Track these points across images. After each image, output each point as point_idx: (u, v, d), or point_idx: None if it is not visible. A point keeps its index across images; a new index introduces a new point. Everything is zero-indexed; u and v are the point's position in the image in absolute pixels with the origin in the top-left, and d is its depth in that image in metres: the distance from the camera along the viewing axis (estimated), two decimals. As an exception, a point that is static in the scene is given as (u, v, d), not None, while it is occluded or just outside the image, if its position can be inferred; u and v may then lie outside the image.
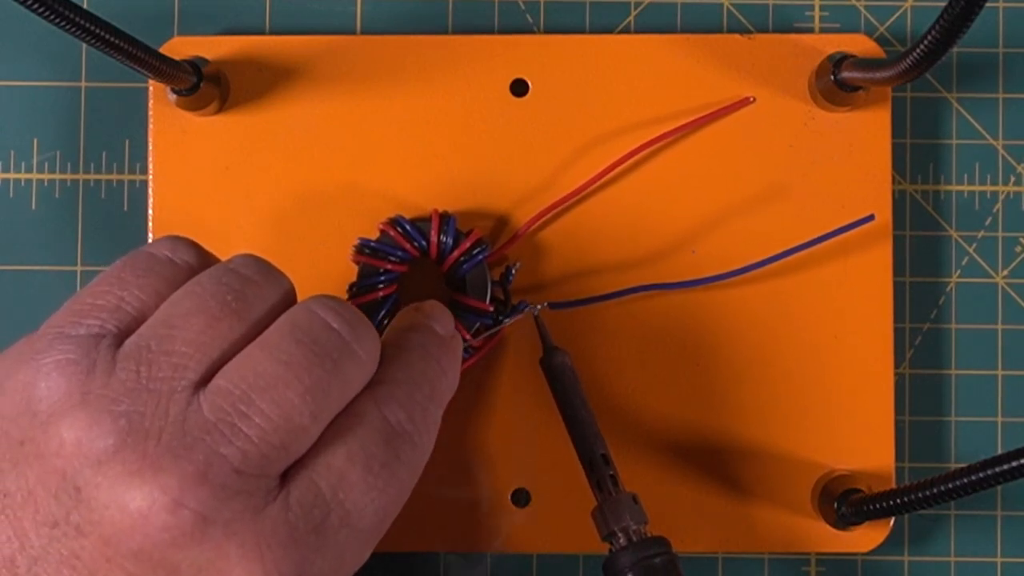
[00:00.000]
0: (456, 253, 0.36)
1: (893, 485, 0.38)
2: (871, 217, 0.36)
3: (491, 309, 0.36)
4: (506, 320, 0.37)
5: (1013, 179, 0.40)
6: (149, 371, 0.26)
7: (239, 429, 0.26)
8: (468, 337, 0.36)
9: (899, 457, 0.39)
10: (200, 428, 0.26)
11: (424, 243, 0.36)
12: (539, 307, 0.37)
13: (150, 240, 0.38)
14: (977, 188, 0.40)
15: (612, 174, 0.38)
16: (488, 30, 0.40)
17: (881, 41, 0.39)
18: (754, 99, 0.37)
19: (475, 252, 0.36)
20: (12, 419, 0.26)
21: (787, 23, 0.40)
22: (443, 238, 0.36)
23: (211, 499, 0.25)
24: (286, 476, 0.27)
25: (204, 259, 0.30)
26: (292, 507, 0.26)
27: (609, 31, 0.40)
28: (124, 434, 0.25)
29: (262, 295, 0.28)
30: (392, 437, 0.28)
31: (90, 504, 0.25)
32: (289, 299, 0.29)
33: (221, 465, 0.25)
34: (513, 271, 0.37)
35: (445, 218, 0.37)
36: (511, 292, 0.37)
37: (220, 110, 0.38)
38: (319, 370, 0.27)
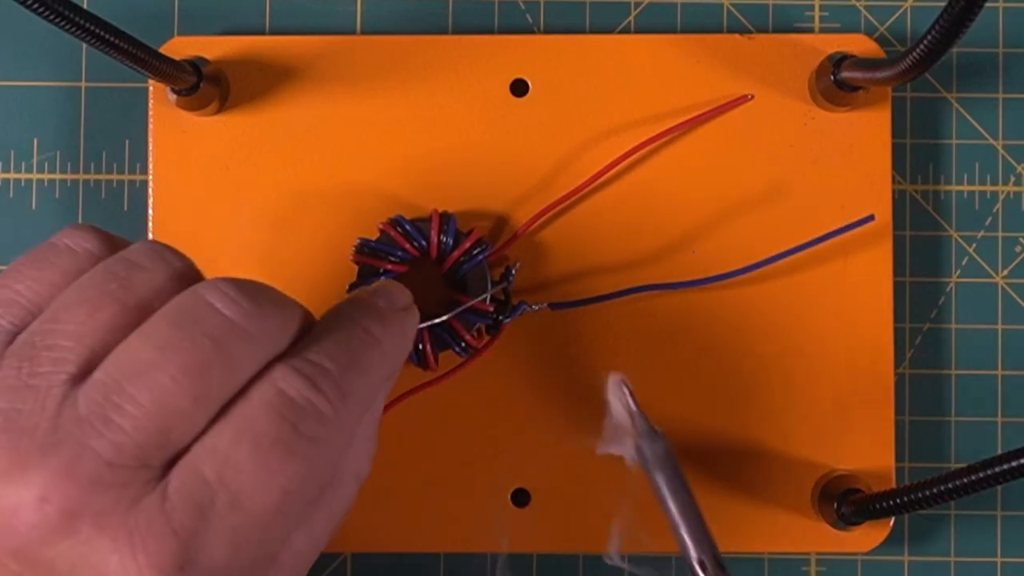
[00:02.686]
0: (456, 253, 0.36)
1: (893, 485, 0.38)
2: (871, 217, 0.36)
3: (491, 309, 0.36)
4: (506, 320, 0.37)
5: (1013, 179, 0.40)
6: (31, 367, 0.25)
7: (111, 420, 0.25)
8: (468, 337, 0.36)
9: (899, 457, 0.39)
10: (72, 422, 0.25)
11: (424, 243, 0.36)
12: (538, 307, 0.37)
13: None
14: (977, 188, 0.40)
15: (612, 173, 0.38)
16: (488, 30, 0.40)
17: (881, 41, 0.39)
18: (752, 96, 0.37)
19: (475, 252, 0.36)
20: None
21: (787, 23, 0.40)
22: (443, 238, 0.36)
23: (78, 494, 0.24)
24: (172, 464, 0.26)
25: (109, 246, 0.28)
26: (171, 496, 0.25)
27: (609, 31, 0.40)
28: (0, 433, 0.25)
29: (149, 281, 0.27)
30: (288, 411, 0.26)
31: None
32: (183, 282, 0.27)
33: (90, 459, 0.24)
34: (513, 271, 0.37)
35: (445, 218, 0.37)
36: (511, 292, 0.37)
37: (220, 110, 0.38)
38: (197, 351, 0.25)
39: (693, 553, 0.32)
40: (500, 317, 0.37)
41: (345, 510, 0.30)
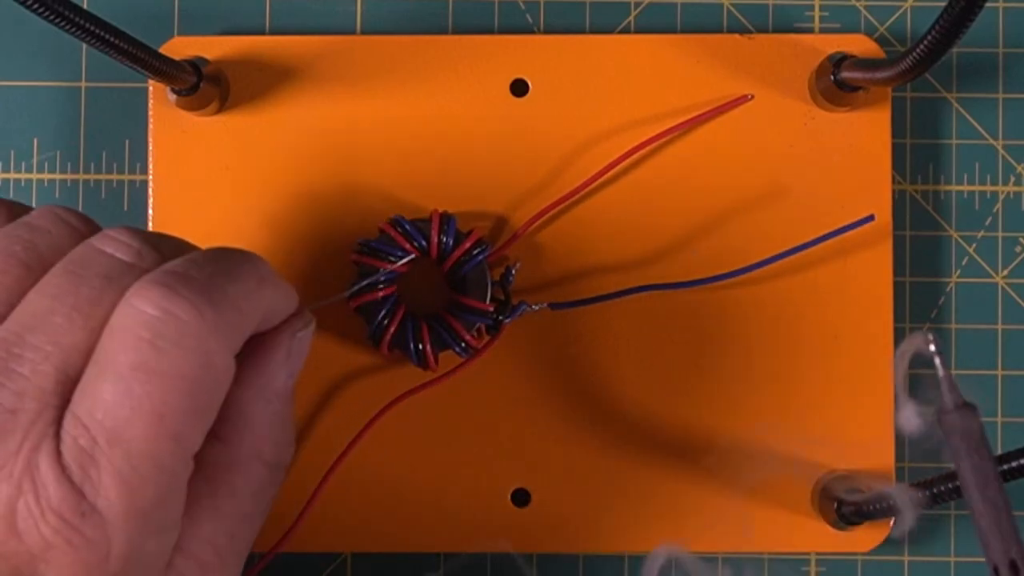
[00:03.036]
0: (456, 253, 0.36)
1: (893, 485, 0.38)
2: (871, 217, 0.36)
3: (491, 309, 0.36)
4: (507, 320, 0.37)
5: (1013, 179, 0.40)
6: None
7: (13, 371, 0.25)
8: (468, 337, 0.36)
9: (899, 457, 0.39)
10: None
11: (424, 243, 0.36)
12: (539, 307, 0.37)
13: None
14: (977, 188, 0.40)
15: (612, 173, 0.38)
16: (488, 30, 0.40)
17: (881, 41, 0.39)
18: (752, 96, 0.37)
19: (475, 252, 0.36)
20: None
21: (787, 23, 0.40)
22: (443, 238, 0.36)
23: None
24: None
25: (8, 215, 0.28)
26: (63, 441, 0.25)
27: (609, 31, 0.40)
28: None
29: (54, 244, 0.27)
30: (143, 328, 0.25)
31: None
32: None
33: None
34: (513, 271, 0.37)
35: (445, 218, 0.37)
36: (511, 292, 0.37)
37: (220, 110, 0.38)
38: (86, 288, 0.25)
39: (1002, 552, 0.28)
40: (500, 317, 0.37)
41: (258, 495, 0.29)
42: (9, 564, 0.25)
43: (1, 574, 0.25)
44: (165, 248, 0.27)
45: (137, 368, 0.25)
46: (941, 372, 0.28)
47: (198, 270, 0.26)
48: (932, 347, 0.28)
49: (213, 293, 0.26)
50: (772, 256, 0.37)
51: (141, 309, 0.25)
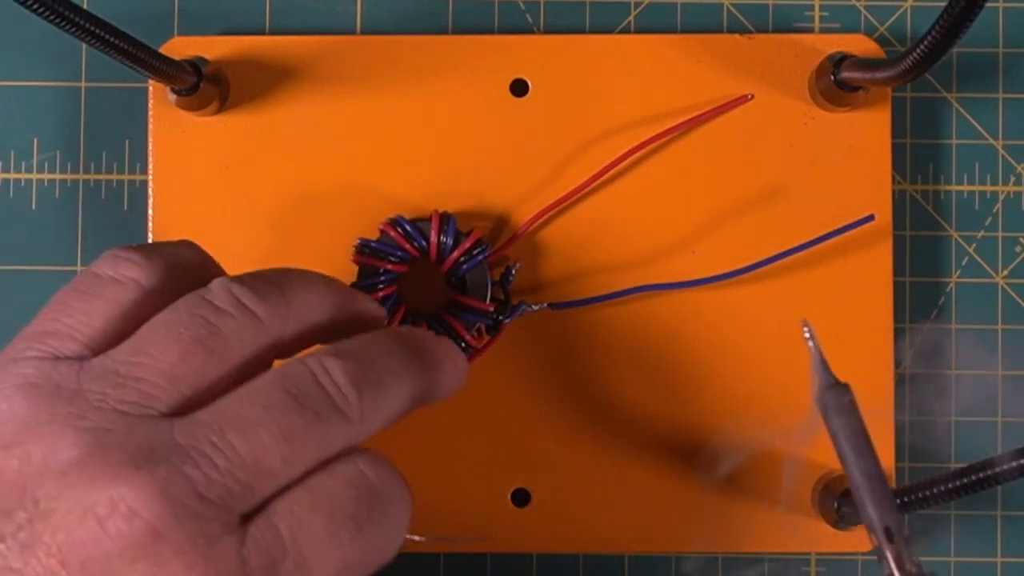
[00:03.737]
0: (456, 253, 0.36)
1: (893, 485, 0.38)
2: (871, 217, 0.36)
3: (491, 309, 0.36)
4: (506, 320, 0.37)
5: (1013, 179, 0.40)
6: (117, 394, 0.26)
7: (207, 456, 0.26)
8: (468, 337, 0.36)
9: (899, 457, 0.39)
10: (168, 448, 0.25)
11: (424, 243, 0.36)
12: (538, 307, 0.37)
13: (150, 240, 0.38)
14: (977, 188, 0.40)
15: (611, 173, 0.38)
16: (488, 30, 0.40)
17: (881, 41, 0.39)
18: (752, 96, 0.37)
19: (475, 252, 0.36)
20: None
21: (787, 23, 0.40)
22: (443, 238, 0.36)
23: (167, 515, 0.25)
24: (247, 518, 0.26)
25: (151, 270, 0.29)
26: (247, 543, 0.26)
27: (609, 31, 0.40)
28: (89, 446, 0.25)
29: (236, 330, 0.28)
30: (366, 493, 0.28)
31: (46, 515, 0.25)
32: (268, 335, 0.29)
33: (183, 485, 0.25)
34: (513, 271, 0.37)
35: (445, 218, 0.37)
36: (511, 292, 0.37)
37: (220, 110, 0.38)
38: (298, 419, 0.27)
39: (877, 519, 0.29)
40: (500, 317, 0.37)
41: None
42: None
43: None
44: (368, 399, 0.28)
45: (350, 521, 0.27)
46: (814, 353, 0.30)
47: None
48: (806, 332, 0.30)
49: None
50: (772, 256, 0.37)
51: (368, 477, 0.28)
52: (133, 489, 0.25)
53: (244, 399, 0.27)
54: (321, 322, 0.30)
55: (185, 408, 0.26)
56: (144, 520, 0.25)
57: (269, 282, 0.29)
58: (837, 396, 0.30)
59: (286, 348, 0.30)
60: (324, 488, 0.27)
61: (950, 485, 0.32)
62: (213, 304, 0.28)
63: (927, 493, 0.32)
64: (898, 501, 0.33)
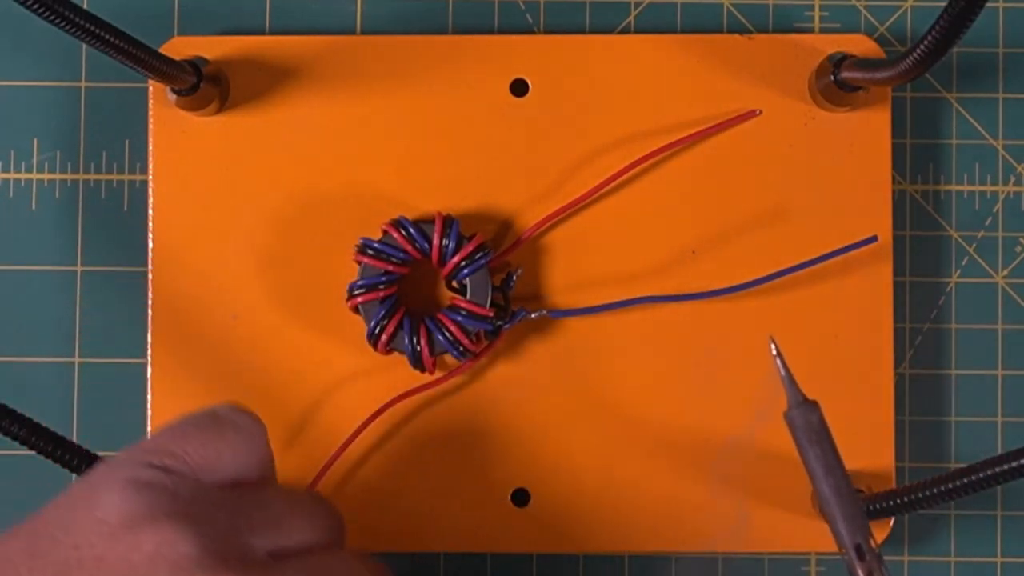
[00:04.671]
0: (457, 257, 0.36)
1: (893, 485, 0.38)
2: (874, 238, 0.36)
3: (491, 314, 0.36)
4: (505, 327, 0.37)
5: (1013, 179, 0.40)
6: (224, 516, 0.29)
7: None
8: (467, 343, 0.36)
9: (899, 457, 0.39)
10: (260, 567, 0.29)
11: (427, 246, 0.36)
12: (537, 315, 0.37)
13: (150, 240, 0.38)
14: (977, 188, 0.40)
15: (611, 178, 0.38)
16: (488, 30, 0.40)
17: (881, 41, 0.39)
18: (760, 112, 0.37)
19: (477, 256, 0.36)
20: (64, 526, 0.28)
21: (787, 23, 0.40)
22: (445, 242, 0.36)
23: None
24: None
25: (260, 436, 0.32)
26: None
27: (609, 31, 0.40)
28: (208, 548, 0.27)
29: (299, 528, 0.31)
30: None
31: None
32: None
33: None
34: (515, 277, 0.37)
35: (448, 221, 0.36)
36: (511, 298, 0.37)
37: (220, 110, 0.38)
38: None
39: (848, 537, 0.29)
40: (499, 323, 0.37)
41: None
42: None
43: None
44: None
45: None
46: (782, 372, 0.30)
47: None
48: (774, 349, 0.31)
49: None
50: (770, 274, 0.37)
51: None
52: None
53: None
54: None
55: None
56: None
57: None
58: (805, 414, 0.30)
59: None
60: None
61: (950, 485, 0.32)
62: (313, 520, 0.32)
63: (927, 493, 0.32)
64: (897, 501, 0.33)
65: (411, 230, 0.36)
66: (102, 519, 0.28)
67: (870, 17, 0.40)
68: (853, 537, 0.29)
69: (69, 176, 0.40)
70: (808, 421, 0.30)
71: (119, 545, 0.27)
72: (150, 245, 0.38)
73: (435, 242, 0.36)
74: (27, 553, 0.27)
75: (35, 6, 0.29)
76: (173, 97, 0.37)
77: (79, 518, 0.28)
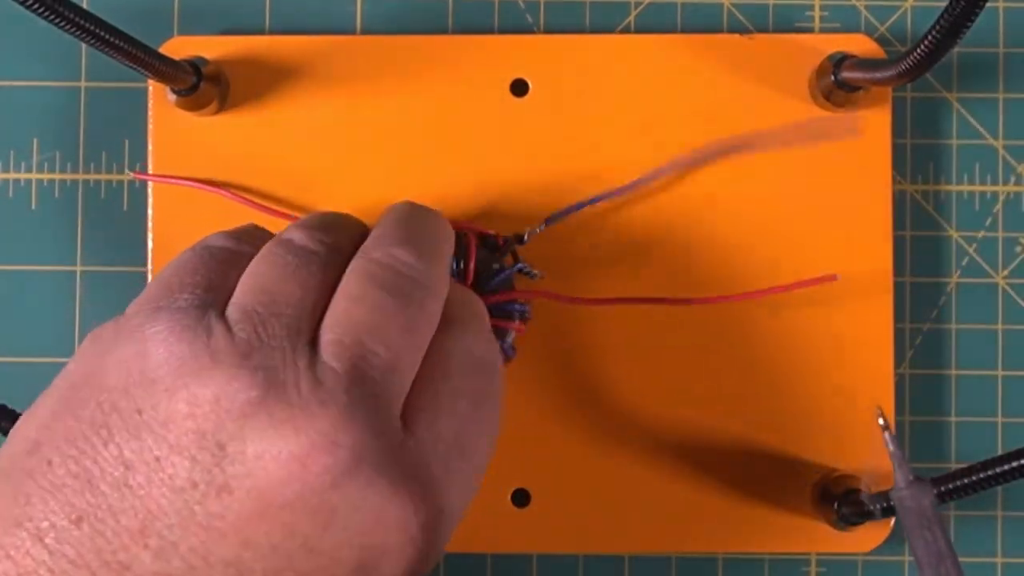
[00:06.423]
0: (495, 298, 0.35)
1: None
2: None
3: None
4: (497, 279, 0.36)
5: (1013, 179, 0.40)
6: (266, 331, 0.27)
7: (365, 373, 0.27)
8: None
9: (899, 457, 0.39)
10: (332, 377, 0.26)
11: (460, 265, 0.35)
12: (539, 273, 0.37)
13: (149, 240, 0.38)
14: (977, 188, 0.40)
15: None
16: (488, 30, 0.40)
17: (881, 41, 0.39)
18: (838, 277, 0.37)
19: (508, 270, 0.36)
20: (121, 391, 0.26)
21: (787, 23, 0.40)
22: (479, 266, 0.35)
23: (363, 436, 0.26)
24: (405, 418, 0.28)
25: (261, 238, 0.31)
26: (424, 445, 0.27)
27: (609, 31, 0.40)
28: (265, 386, 0.26)
29: (338, 260, 0.30)
30: (481, 369, 0.30)
31: (237, 459, 0.25)
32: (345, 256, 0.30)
33: (362, 407, 0.26)
34: (525, 268, 0.36)
35: (490, 241, 0.36)
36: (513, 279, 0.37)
37: (220, 110, 0.38)
38: (407, 309, 0.28)
39: None
40: (494, 266, 0.36)
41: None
42: None
43: None
44: (429, 267, 0.30)
45: (485, 399, 0.30)
46: (890, 448, 0.29)
47: (484, 324, 0.32)
48: (881, 421, 0.30)
49: (496, 350, 0.32)
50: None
51: (475, 353, 0.30)
52: (326, 422, 0.26)
53: (356, 309, 0.28)
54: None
55: (316, 328, 0.28)
56: (345, 448, 0.26)
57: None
58: (915, 498, 0.29)
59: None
60: (456, 373, 0.29)
61: (950, 485, 0.32)
62: (307, 247, 0.29)
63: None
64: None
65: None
66: (150, 378, 0.26)
67: (870, 17, 0.40)
68: None
69: (69, 176, 0.40)
70: (919, 504, 0.29)
71: (178, 403, 0.26)
72: (150, 245, 0.38)
73: (469, 267, 0.35)
74: (92, 423, 0.26)
75: (35, 6, 0.29)
76: (173, 97, 0.37)
77: (124, 377, 0.26)
